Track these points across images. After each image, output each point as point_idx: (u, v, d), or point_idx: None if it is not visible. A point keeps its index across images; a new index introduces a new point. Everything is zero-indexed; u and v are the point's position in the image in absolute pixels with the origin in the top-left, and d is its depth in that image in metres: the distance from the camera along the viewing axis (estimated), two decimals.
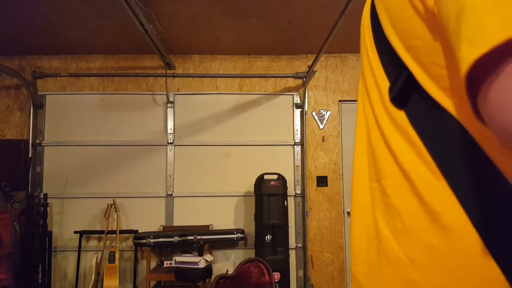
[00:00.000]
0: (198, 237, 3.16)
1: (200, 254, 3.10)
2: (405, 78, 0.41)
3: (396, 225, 0.43)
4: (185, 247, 3.25)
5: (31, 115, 3.48)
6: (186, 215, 3.52)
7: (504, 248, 0.34)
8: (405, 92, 0.42)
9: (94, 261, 3.14)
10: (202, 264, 2.89)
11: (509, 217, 0.34)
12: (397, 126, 0.43)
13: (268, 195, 3.27)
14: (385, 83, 0.45)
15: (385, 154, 0.45)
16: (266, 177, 3.38)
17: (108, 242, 3.37)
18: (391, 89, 0.44)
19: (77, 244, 3.34)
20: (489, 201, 0.35)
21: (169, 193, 3.52)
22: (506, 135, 0.26)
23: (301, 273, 3.53)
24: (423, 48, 0.38)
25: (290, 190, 3.54)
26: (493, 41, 0.24)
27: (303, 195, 3.59)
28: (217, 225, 3.50)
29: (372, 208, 0.47)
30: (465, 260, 0.36)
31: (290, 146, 3.64)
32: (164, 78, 3.60)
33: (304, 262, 3.53)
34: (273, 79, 3.69)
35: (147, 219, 3.48)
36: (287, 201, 3.37)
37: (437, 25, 0.35)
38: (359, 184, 0.51)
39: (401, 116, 0.42)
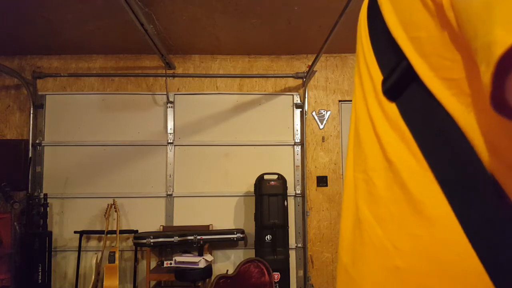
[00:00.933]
0: (198, 237, 3.16)
1: (200, 254, 3.10)
2: (402, 70, 0.42)
3: (382, 214, 0.44)
4: (185, 247, 3.26)
5: (31, 115, 3.48)
6: (186, 215, 3.52)
7: (483, 238, 0.35)
8: (400, 84, 0.43)
9: (94, 261, 3.14)
10: (202, 264, 2.89)
11: (490, 210, 0.35)
12: (388, 117, 0.45)
13: (268, 195, 3.27)
14: (378, 77, 0.47)
15: (374, 145, 0.47)
16: (266, 177, 3.38)
17: (108, 242, 3.38)
18: (384, 82, 0.45)
19: (77, 244, 3.34)
20: (472, 194, 0.36)
21: (169, 193, 3.52)
22: None
23: (301, 273, 3.53)
24: (428, 39, 0.39)
25: (290, 190, 3.54)
26: None
27: (303, 195, 3.59)
28: (217, 225, 3.50)
29: (356, 198, 0.49)
30: (445, 248, 0.37)
31: (290, 146, 3.64)
32: (164, 78, 3.60)
33: (304, 262, 3.53)
34: (273, 79, 3.69)
35: (147, 219, 3.48)
36: (287, 201, 3.37)
37: (444, 16, 0.36)
38: (348, 176, 0.53)
39: (392, 108, 0.44)
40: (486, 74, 0.29)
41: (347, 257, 0.50)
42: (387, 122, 0.45)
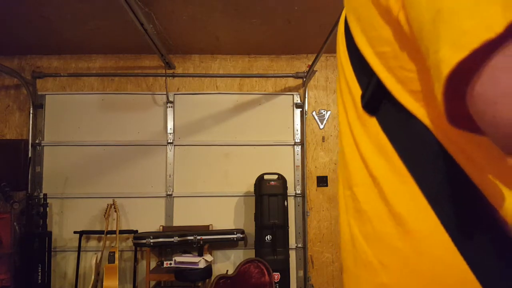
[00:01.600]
0: (198, 237, 3.16)
1: (200, 254, 3.10)
2: (374, 85, 0.42)
3: (367, 230, 0.44)
4: (185, 247, 3.25)
5: (31, 115, 3.47)
6: (186, 215, 3.51)
7: (474, 247, 0.35)
8: (375, 98, 0.43)
9: (94, 261, 3.14)
10: (202, 264, 2.88)
11: (477, 216, 0.35)
12: (369, 132, 0.44)
13: (268, 195, 3.27)
14: (357, 91, 0.47)
15: (357, 161, 0.46)
16: (266, 177, 3.37)
17: (108, 242, 3.37)
18: (363, 97, 0.45)
19: (77, 244, 3.34)
20: (457, 202, 0.36)
21: (169, 193, 3.52)
22: (500, 129, 0.26)
23: (301, 273, 3.52)
24: (392, 54, 0.40)
25: (290, 190, 3.54)
26: (472, 44, 0.25)
27: (303, 195, 3.58)
28: (217, 225, 3.49)
29: (347, 215, 0.49)
30: (430, 261, 0.37)
31: (290, 146, 3.64)
32: (164, 78, 3.59)
33: (304, 262, 3.52)
34: (273, 79, 3.69)
35: (147, 219, 3.47)
36: (287, 201, 3.36)
37: (403, 31, 0.37)
38: (339, 192, 0.54)
39: (373, 122, 0.44)
40: (438, 92, 0.29)
41: (345, 275, 0.51)
42: (368, 136, 0.44)
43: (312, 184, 3.59)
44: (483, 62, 0.26)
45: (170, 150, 3.56)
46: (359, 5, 0.43)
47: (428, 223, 0.37)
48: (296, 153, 3.63)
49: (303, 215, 3.56)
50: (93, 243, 3.46)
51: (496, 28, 0.24)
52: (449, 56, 0.27)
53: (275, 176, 3.38)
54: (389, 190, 0.41)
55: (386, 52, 0.40)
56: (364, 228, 0.45)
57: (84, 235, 3.40)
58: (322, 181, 3.59)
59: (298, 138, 3.64)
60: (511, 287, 0.33)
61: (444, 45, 0.28)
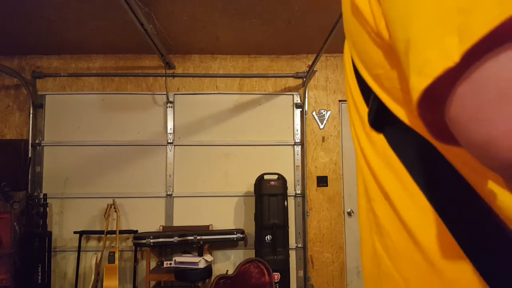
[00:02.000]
0: (198, 237, 3.16)
1: (200, 254, 3.10)
2: (376, 103, 0.44)
3: (387, 243, 0.45)
4: (185, 247, 3.25)
5: (31, 115, 3.47)
6: (186, 215, 3.51)
7: (488, 260, 0.35)
8: (380, 116, 0.45)
9: (94, 261, 3.14)
10: (202, 264, 2.88)
11: (487, 226, 0.35)
12: (377, 149, 0.46)
13: (268, 195, 3.27)
14: (364, 109, 0.48)
15: (371, 176, 0.48)
16: (266, 177, 3.37)
17: (107, 242, 3.37)
18: (369, 114, 0.47)
19: (77, 244, 3.34)
20: (465, 211, 0.37)
21: (169, 193, 3.52)
22: (474, 148, 0.28)
23: (301, 273, 3.52)
24: (385, 75, 0.41)
25: (290, 190, 3.54)
26: (435, 71, 0.27)
27: (303, 195, 3.58)
28: (217, 225, 3.49)
29: (370, 229, 0.50)
30: (446, 276, 0.37)
31: (290, 146, 3.64)
32: (164, 78, 3.60)
33: (304, 262, 3.52)
34: (273, 79, 3.69)
35: (147, 219, 3.47)
36: (287, 201, 3.36)
37: (393, 54, 0.38)
38: (360, 205, 0.55)
39: (381, 139, 0.45)
40: (416, 113, 0.31)
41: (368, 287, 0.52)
42: (377, 153, 0.46)
43: (312, 184, 3.59)
44: (452, 87, 0.28)
45: (170, 150, 3.56)
46: (353, 29, 0.45)
47: (439, 236, 0.38)
48: (296, 153, 3.63)
49: (303, 215, 3.56)
50: (93, 243, 3.46)
51: (454, 58, 0.26)
52: (416, 83, 0.29)
53: (275, 176, 3.38)
54: (400, 205, 0.42)
55: (380, 74, 0.42)
56: (384, 242, 0.46)
57: (84, 235, 3.40)
58: (322, 181, 3.59)
59: (298, 138, 3.64)
60: None
61: (413, 73, 0.30)
